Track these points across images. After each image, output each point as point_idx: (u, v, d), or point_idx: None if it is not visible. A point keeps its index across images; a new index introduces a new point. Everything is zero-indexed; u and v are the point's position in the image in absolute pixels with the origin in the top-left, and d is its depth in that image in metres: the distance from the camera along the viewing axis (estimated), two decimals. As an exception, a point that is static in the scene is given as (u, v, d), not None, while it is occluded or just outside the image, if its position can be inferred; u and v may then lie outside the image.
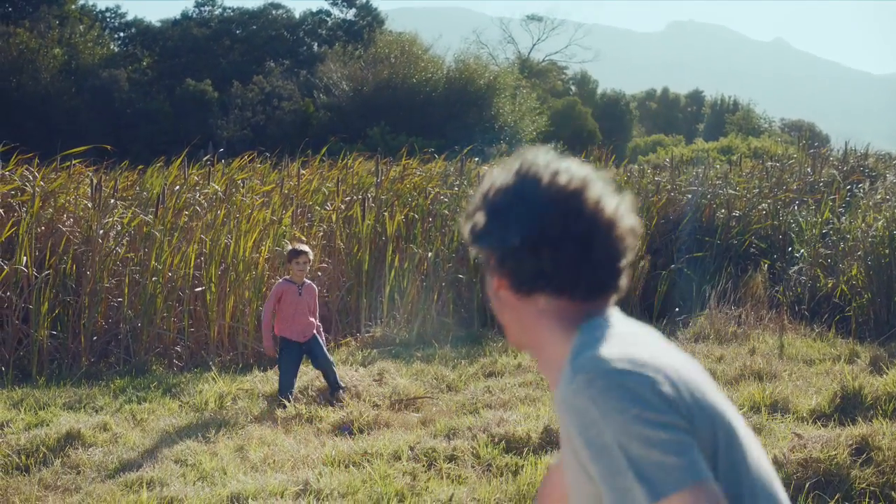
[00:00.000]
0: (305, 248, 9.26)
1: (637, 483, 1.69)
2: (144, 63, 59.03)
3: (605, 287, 1.97)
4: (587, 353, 1.84)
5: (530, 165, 1.99)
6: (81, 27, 58.56)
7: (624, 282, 2.00)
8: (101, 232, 11.05)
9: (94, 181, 11.69)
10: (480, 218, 2.00)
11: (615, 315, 2.00)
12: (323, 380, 9.25)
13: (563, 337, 1.97)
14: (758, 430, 7.31)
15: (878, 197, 14.15)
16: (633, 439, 1.70)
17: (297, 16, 66.89)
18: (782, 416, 7.87)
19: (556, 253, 1.92)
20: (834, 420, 7.70)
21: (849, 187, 15.66)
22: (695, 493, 1.68)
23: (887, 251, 12.25)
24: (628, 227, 1.97)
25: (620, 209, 1.96)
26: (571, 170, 1.97)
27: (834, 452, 6.29)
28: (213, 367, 10.32)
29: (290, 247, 9.59)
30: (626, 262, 1.99)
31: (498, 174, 2.02)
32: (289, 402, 8.74)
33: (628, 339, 1.90)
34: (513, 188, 1.98)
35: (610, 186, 1.99)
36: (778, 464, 6.20)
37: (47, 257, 10.94)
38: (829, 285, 12.79)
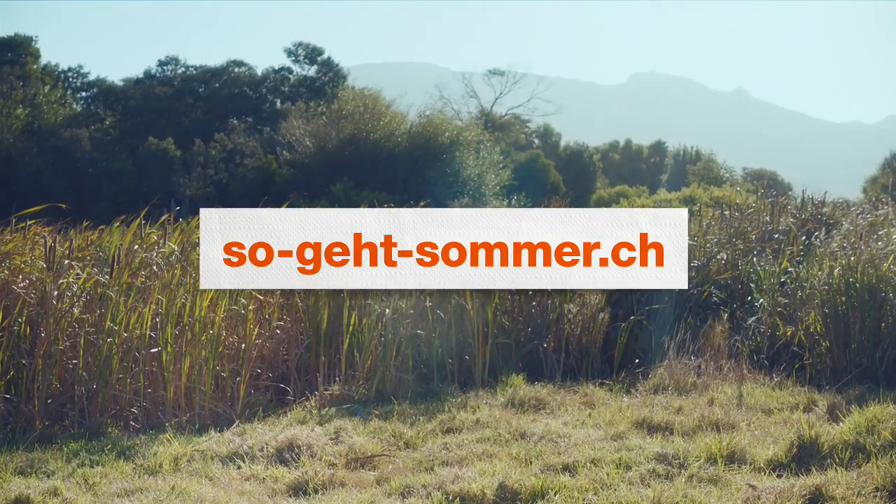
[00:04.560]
0: None
1: None
2: (107, 122, 59.00)
3: None
4: None
5: None
6: (46, 88, 58.53)
7: None
8: (56, 293, 10.95)
9: (49, 242, 11.60)
10: None
11: None
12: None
13: None
14: (713, 481, 7.30)
15: (835, 245, 14.20)
16: None
17: (259, 73, 67.13)
18: (739, 466, 7.84)
19: None
20: (790, 470, 7.69)
21: (805, 236, 15.72)
22: None
23: (843, 299, 12.31)
24: None
25: None
26: None
27: (788, 503, 6.28)
28: (170, 428, 10.20)
29: None
30: None
31: None
32: None
33: None
34: None
35: None
36: (732, 516, 6.18)
37: (0, 319, 10.82)
38: (788, 334, 12.81)
